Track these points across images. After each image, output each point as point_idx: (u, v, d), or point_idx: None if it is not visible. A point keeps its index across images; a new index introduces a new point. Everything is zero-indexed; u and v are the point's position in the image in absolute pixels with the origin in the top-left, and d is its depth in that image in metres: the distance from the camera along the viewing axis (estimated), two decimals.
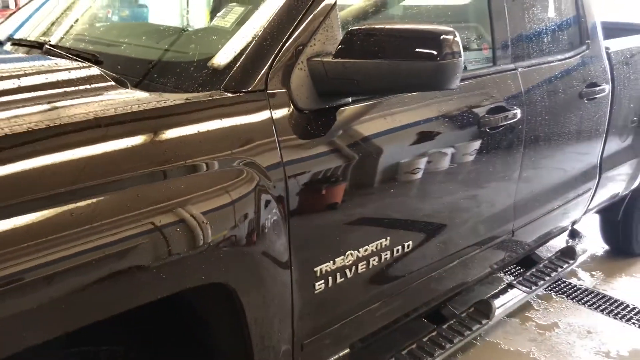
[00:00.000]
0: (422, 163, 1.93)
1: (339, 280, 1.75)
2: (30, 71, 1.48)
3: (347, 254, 1.74)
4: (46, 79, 1.41)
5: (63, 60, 1.62)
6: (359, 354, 2.09)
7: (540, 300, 3.41)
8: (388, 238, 1.87)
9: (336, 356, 1.94)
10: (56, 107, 1.28)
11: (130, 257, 1.17)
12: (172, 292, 1.29)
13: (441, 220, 2.09)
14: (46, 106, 1.28)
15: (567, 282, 3.64)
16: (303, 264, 1.61)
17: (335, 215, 1.68)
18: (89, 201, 1.13)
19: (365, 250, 1.80)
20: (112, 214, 1.15)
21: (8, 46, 2.07)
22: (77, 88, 1.39)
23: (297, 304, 1.63)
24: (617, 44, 3.04)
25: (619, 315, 3.30)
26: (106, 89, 1.44)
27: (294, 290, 1.60)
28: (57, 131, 1.18)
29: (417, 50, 1.51)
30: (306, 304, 1.66)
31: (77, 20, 2.11)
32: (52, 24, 2.27)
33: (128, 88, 1.49)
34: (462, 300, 2.69)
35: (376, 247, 1.83)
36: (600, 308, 3.37)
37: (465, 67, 2.10)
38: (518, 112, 2.26)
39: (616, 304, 3.42)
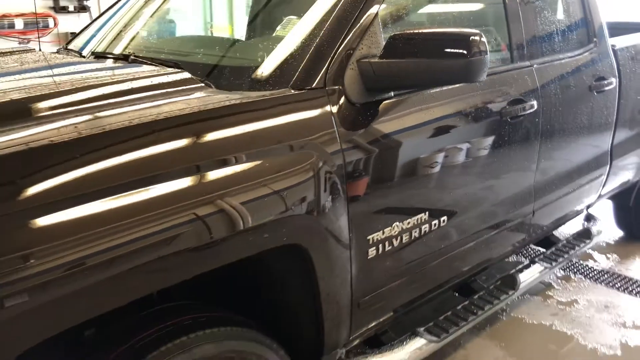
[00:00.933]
0: (453, 149, 2.23)
1: (387, 248, 2.05)
2: (138, 76, 1.82)
3: (393, 225, 2.04)
4: (151, 81, 1.74)
5: (156, 67, 1.95)
6: (401, 318, 2.39)
7: (560, 280, 3.68)
8: (427, 213, 2.17)
9: (383, 318, 2.24)
10: (168, 103, 1.61)
11: (241, 219, 1.50)
12: (265, 248, 1.60)
13: (470, 199, 2.39)
14: (160, 101, 1.62)
15: (584, 264, 3.91)
16: (359, 232, 1.91)
17: (383, 192, 1.99)
18: (212, 174, 1.47)
19: (408, 222, 2.10)
20: (228, 185, 1.48)
21: (91, 59, 2.40)
22: (177, 88, 1.72)
23: (355, 266, 1.93)
24: (623, 42, 3.33)
25: (634, 292, 3.57)
26: (198, 89, 1.77)
27: (352, 254, 1.90)
28: (177, 122, 1.51)
29: (450, 50, 1.82)
30: (361, 267, 1.96)
31: (150, 34, 2.45)
32: (118, 38, 2.62)
33: (213, 88, 1.81)
34: (489, 275, 2.97)
35: (417, 221, 2.14)
36: (616, 286, 3.64)
37: None
38: (535, 103, 2.56)
39: (631, 282, 3.69)
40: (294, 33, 1.97)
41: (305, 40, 1.92)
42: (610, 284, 3.67)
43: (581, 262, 3.94)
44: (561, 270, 3.80)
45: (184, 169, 1.44)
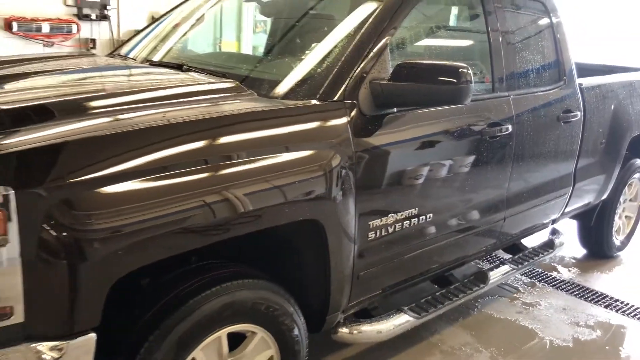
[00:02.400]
0: (440, 158, 2.74)
1: (383, 233, 2.54)
2: (198, 81, 2.31)
3: (389, 215, 2.54)
4: (210, 87, 2.24)
5: (208, 76, 2.45)
6: (388, 298, 2.88)
7: (526, 286, 4.20)
8: (416, 208, 2.66)
9: (375, 293, 2.72)
10: (227, 103, 2.11)
11: (282, 195, 2.00)
12: (294, 220, 2.08)
13: (452, 201, 2.89)
14: (220, 102, 2.11)
15: (548, 274, 4.44)
16: (362, 217, 2.40)
17: (383, 187, 2.48)
18: (263, 161, 1.96)
19: (401, 214, 2.59)
20: (272, 169, 1.97)
21: (146, 65, 2.89)
22: (231, 93, 2.23)
23: (357, 245, 2.41)
24: (589, 81, 3.89)
25: (589, 299, 4.09)
26: (247, 95, 2.26)
27: (356, 234, 2.39)
28: (237, 118, 2.01)
29: (443, 78, 2.34)
30: (362, 246, 2.45)
31: (197, 49, 2.94)
32: (166, 49, 3.12)
33: (256, 96, 2.31)
34: (463, 272, 3.47)
35: (408, 214, 2.63)
36: (575, 293, 4.17)
37: None
38: (510, 127, 3.08)
39: (588, 291, 4.21)
40: (321, 56, 2.48)
41: (330, 63, 2.43)
42: (570, 291, 4.19)
43: (546, 272, 4.47)
44: (528, 278, 4.31)
45: (243, 154, 1.93)
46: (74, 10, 6.91)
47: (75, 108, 1.92)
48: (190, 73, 2.58)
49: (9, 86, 2.23)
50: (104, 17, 7.07)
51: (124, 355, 1.87)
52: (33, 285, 1.59)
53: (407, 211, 2.63)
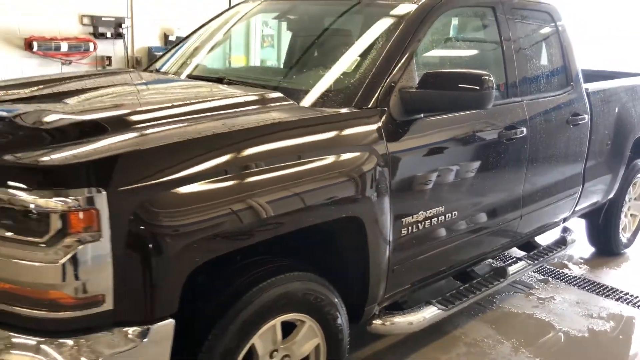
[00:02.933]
0: (463, 159, 2.95)
1: (414, 230, 2.74)
2: (245, 93, 2.52)
3: (419, 212, 2.74)
4: (257, 97, 2.45)
5: (251, 88, 2.66)
6: (416, 293, 3.08)
7: (540, 283, 4.39)
8: (443, 206, 2.87)
9: (406, 286, 2.92)
10: (275, 111, 2.32)
11: (327, 193, 2.20)
12: (339, 216, 2.29)
13: (475, 199, 3.09)
14: (270, 111, 2.32)
15: (561, 271, 4.64)
16: (396, 214, 2.60)
17: (414, 186, 2.69)
18: (312, 163, 2.16)
19: (429, 212, 2.80)
20: (320, 171, 2.18)
21: (186, 79, 3.10)
22: (277, 103, 2.44)
23: (392, 240, 2.61)
24: (594, 86, 4.11)
25: (601, 293, 4.29)
26: (290, 105, 2.48)
27: (391, 230, 2.59)
28: (284, 127, 2.22)
29: (467, 85, 2.55)
30: (396, 241, 2.65)
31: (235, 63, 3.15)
32: (201, 64, 3.34)
33: (298, 105, 2.52)
34: (484, 267, 3.67)
35: (436, 212, 2.83)
36: (587, 288, 4.37)
37: None
38: (524, 130, 3.29)
39: (599, 285, 4.41)
40: (354, 68, 2.70)
41: (363, 74, 2.65)
42: (582, 286, 4.39)
43: (558, 269, 4.67)
44: (541, 275, 4.51)
45: (294, 157, 2.15)
46: (90, 29, 7.13)
47: (144, 119, 2.12)
48: (232, 85, 2.79)
49: (75, 100, 2.44)
50: (118, 35, 7.29)
51: (194, 340, 2.05)
52: (121, 276, 1.78)
53: (435, 209, 2.84)
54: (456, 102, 2.60)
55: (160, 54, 6.93)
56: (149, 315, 1.85)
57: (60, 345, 1.78)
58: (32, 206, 1.71)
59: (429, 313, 3.03)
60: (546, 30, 3.82)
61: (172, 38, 7.75)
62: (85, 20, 7.09)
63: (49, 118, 2.08)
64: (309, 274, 2.35)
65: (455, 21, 3.35)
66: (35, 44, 6.59)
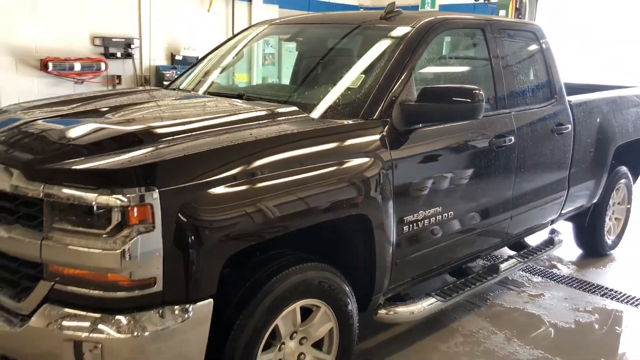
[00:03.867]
0: (457, 165, 3.30)
1: (414, 228, 3.07)
2: (267, 107, 2.87)
3: (419, 212, 3.07)
4: (277, 111, 2.79)
5: (269, 103, 3.01)
6: (416, 286, 3.40)
7: (530, 281, 4.72)
8: (440, 207, 3.21)
9: (407, 279, 3.24)
10: (293, 123, 2.66)
11: (340, 193, 2.53)
12: (347, 214, 2.62)
13: (468, 201, 3.43)
14: (288, 123, 2.67)
15: (550, 271, 4.97)
16: (398, 212, 2.93)
17: (414, 188, 3.02)
18: (323, 169, 2.50)
19: (428, 212, 3.13)
20: (331, 175, 2.52)
21: (208, 96, 3.44)
22: (294, 116, 2.78)
23: (395, 236, 2.94)
24: (577, 98, 4.48)
25: (587, 290, 4.62)
26: (305, 117, 2.82)
27: (394, 227, 2.92)
28: (303, 136, 2.56)
29: (460, 98, 2.90)
30: (399, 237, 2.97)
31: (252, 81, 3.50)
32: (218, 82, 3.68)
33: (312, 117, 2.86)
34: (477, 265, 4.00)
35: (434, 211, 3.17)
36: (574, 285, 4.70)
37: None
38: (512, 138, 3.64)
39: (585, 283, 4.75)
40: (359, 84, 3.05)
41: (368, 89, 3.00)
42: (570, 284, 4.72)
43: (547, 270, 5.00)
44: (531, 275, 4.85)
45: (312, 161, 2.49)
46: (101, 49, 7.50)
47: (182, 130, 2.46)
48: (251, 101, 3.13)
49: (117, 115, 2.78)
50: (128, 55, 7.67)
51: (225, 321, 2.37)
52: (169, 262, 2.10)
53: (433, 209, 3.17)
54: (451, 113, 2.95)
55: (168, 72, 7.32)
56: (192, 295, 2.17)
57: (117, 321, 2.10)
58: (96, 204, 2.04)
59: (429, 304, 3.35)
60: (531, 48, 4.19)
61: (178, 57, 8.13)
62: (97, 41, 7.47)
63: (102, 131, 2.42)
64: (323, 264, 2.67)
65: (448, 41, 3.71)
66: (50, 64, 6.96)
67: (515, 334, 3.83)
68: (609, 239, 5.35)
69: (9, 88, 6.86)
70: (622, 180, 5.26)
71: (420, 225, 3.11)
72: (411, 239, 3.09)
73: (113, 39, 7.53)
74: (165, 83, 7.62)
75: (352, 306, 2.82)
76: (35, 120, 2.70)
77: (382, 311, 3.17)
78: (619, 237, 5.52)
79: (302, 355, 2.71)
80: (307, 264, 2.60)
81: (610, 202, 5.19)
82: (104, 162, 2.15)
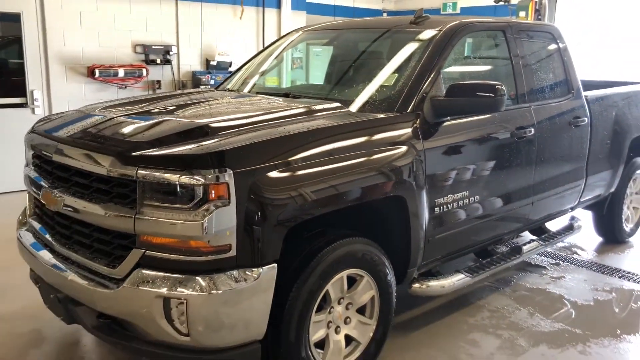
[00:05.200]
0: (484, 153, 3.66)
1: (444, 209, 3.45)
2: (314, 103, 3.28)
3: (448, 195, 3.45)
4: (323, 106, 3.20)
5: (312, 100, 3.42)
6: (444, 263, 3.77)
7: (552, 265, 5.06)
8: (467, 192, 3.57)
9: (437, 257, 3.61)
10: (338, 117, 3.06)
11: (381, 177, 2.93)
12: (387, 195, 3.00)
13: (493, 186, 3.79)
14: (333, 117, 3.07)
15: (570, 256, 5.30)
16: (431, 195, 3.31)
17: (443, 174, 3.40)
18: (367, 156, 2.90)
19: (456, 195, 3.50)
20: (374, 162, 2.91)
21: (258, 95, 3.86)
22: (338, 110, 3.18)
23: (427, 216, 3.32)
24: (592, 94, 4.81)
25: (606, 272, 4.94)
26: (347, 111, 3.22)
27: (427, 208, 3.30)
28: (348, 128, 2.96)
29: (485, 93, 3.27)
30: (431, 217, 3.35)
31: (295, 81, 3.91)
32: (265, 83, 4.10)
33: (351, 111, 3.26)
34: (502, 247, 4.36)
35: (461, 195, 3.54)
36: (593, 269, 5.02)
37: None
38: (532, 130, 4.00)
39: (604, 267, 5.07)
40: (394, 81, 3.44)
41: (402, 86, 3.39)
42: (589, 267, 5.05)
43: (568, 255, 5.33)
44: (553, 259, 5.18)
45: (358, 149, 2.88)
46: (142, 57, 7.99)
47: (246, 123, 2.87)
48: (298, 99, 3.54)
49: (186, 112, 3.22)
50: (167, 62, 8.15)
51: (289, 281, 2.76)
52: (241, 231, 2.51)
53: (460, 193, 3.54)
54: (475, 106, 3.33)
55: (204, 77, 7.82)
56: (259, 260, 2.57)
57: (198, 281, 2.51)
58: (180, 183, 2.46)
59: (458, 279, 3.71)
60: (549, 47, 4.54)
61: (213, 63, 8.60)
62: (138, 49, 7.97)
63: (178, 124, 2.85)
64: (366, 239, 3.06)
65: (473, 42, 4.09)
66: (97, 71, 7.45)
67: (537, 310, 4.17)
68: (627, 227, 5.65)
69: (60, 93, 7.38)
70: (639, 171, 5.56)
71: (449, 208, 3.48)
72: (441, 220, 3.46)
73: (153, 47, 8.01)
74: (202, 87, 8.15)
75: (391, 277, 3.21)
76: (115, 117, 3.14)
77: (416, 285, 3.55)
78: (637, 225, 5.81)
79: (348, 319, 3.10)
80: (353, 239, 2.99)
81: (628, 192, 5.50)
82: (186, 148, 2.57)
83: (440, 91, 3.42)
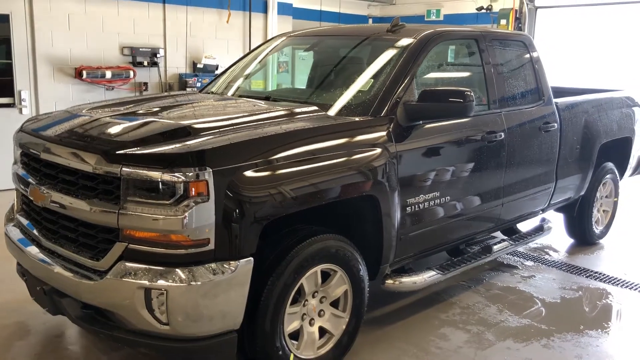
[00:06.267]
0: (453, 156, 3.85)
1: (415, 209, 3.62)
2: (292, 107, 3.44)
3: (419, 195, 3.62)
4: (301, 110, 3.36)
5: (293, 104, 3.58)
6: (414, 261, 3.94)
7: (523, 264, 5.25)
8: (438, 192, 3.75)
9: (408, 255, 3.78)
10: (315, 119, 3.23)
11: (354, 177, 3.09)
12: (358, 195, 3.17)
13: (463, 187, 3.97)
14: (310, 120, 3.23)
15: (541, 257, 5.50)
16: (402, 195, 3.48)
17: (415, 175, 3.57)
18: (341, 157, 3.07)
19: (428, 195, 3.67)
20: (347, 163, 3.07)
21: (240, 98, 4.02)
22: (315, 113, 3.35)
23: (399, 215, 3.49)
24: (562, 100, 5.01)
25: (575, 272, 5.14)
26: (323, 115, 3.38)
27: (398, 207, 3.47)
28: (325, 130, 3.13)
29: (454, 98, 3.45)
30: (402, 216, 3.52)
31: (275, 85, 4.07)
32: (244, 86, 4.26)
33: (328, 115, 3.43)
34: (473, 245, 4.54)
35: (432, 196, 3.71)
36: (563, 269, 5.22)
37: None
38: (502, 134, 4.19)
39: (573, 267, 5.27)
40: (369, 87, 3.61)
41: (377, 91, 3.56)
42: (559, 268, 5.25)
43: (539, 255, 5.53)
44: (524, 259, 5.38)
45: (330, 152, 3.04)
46: (130, 59, 8.12)
47: (225, 124, 3.03)
48: (277, 102, 3.70)
49: (170, 114, 3.36)
50: (154, 64, 8.28)
51: (265, 274, 2.91)
52: (220, 226, 2.66)
53: (432, 194, 3.72)
54: (446, 111, 3.51)
55: (190, 79, 7.97)
56: (237, 254, 2.72)
57: (177, 273, 2.65)
58: (162, 180, 2.61)
59: (429, 276, 3.89)
60: (521, 56, 4.74)
61: (199, 65, 8.74)
62: (126, 51, 8.09)
63: (162, 125, 3.00)
64: (340, 236, 3.23)
65: (446, 50, 4.27)
66: (84, 72, 7.57)
67: (506, 307, 4.36)
68: (597, 229, 5.86)
69: (47, 94, 7.49)
70: (609, 175, 5.78)
71: (420, 208, 3.66)
72: (413, 219, 3.63)
73: (140, 49, 8.14)
74: (189, 89, 8.29)
75: (363, 272, 3.37)
76: (102, 117, 3.29)
77: (389, 281, 3.71)
78: (607, 227, 6.03)
79: (322, 312, 3.26)
80: (326, 235, 3.15)
81: (598, 195, 5.71)
82: (168, 148, 2.72)
83: (414, 96, 3.60)
